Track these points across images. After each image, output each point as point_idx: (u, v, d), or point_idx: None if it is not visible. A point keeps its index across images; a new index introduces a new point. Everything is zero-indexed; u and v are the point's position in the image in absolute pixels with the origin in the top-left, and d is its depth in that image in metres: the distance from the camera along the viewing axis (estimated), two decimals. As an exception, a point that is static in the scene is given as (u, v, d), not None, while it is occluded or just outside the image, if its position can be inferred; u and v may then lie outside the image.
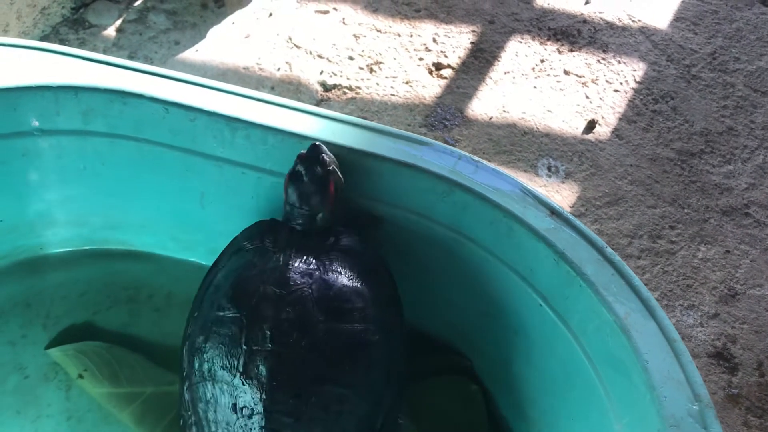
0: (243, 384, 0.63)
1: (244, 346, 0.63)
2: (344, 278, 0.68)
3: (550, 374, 0.75)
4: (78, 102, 0.76)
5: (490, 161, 1.07)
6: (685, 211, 1.12)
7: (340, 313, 0.66)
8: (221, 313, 0.66)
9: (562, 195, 1.11)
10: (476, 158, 0.75)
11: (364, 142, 0.75)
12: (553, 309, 0.72)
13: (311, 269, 0.67)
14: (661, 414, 0.61)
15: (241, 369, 0.63)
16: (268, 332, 0.63)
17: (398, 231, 0.79)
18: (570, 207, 1.10)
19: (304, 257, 0.68)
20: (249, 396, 0.62)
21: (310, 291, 0.66)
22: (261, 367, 0.62)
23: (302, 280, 0.66)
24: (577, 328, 0.70)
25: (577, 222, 0.72)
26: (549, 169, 1.14)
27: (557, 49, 1.31)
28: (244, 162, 0.77)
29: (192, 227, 0.86)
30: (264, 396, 0.62)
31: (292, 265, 0.67)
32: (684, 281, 1.04)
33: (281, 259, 0.68)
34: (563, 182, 1.13)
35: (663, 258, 1.07)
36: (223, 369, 0.64)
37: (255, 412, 0.62)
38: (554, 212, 0.73)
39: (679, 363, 0.65)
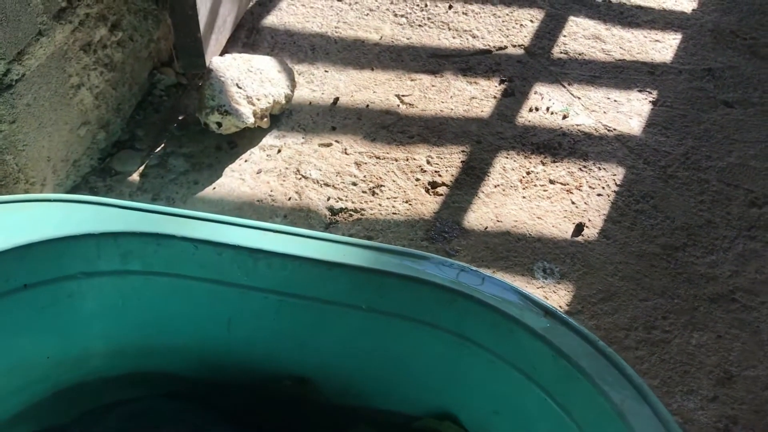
0: None
1: None
2: None
3: (561, 464, 0.81)
4: (117, 246, 0.85)
5: (488, 268, 1.16)
6: (675, 301, 1.20)
7: None
8: None
9: (559, 295, 1.19)
10: (474, 268, 0.84)
11: (371, 260, 0.84)
12: (557, 402, 0.78)
13: None
14: (663, 491, 0.66)
15: None
16: None
17: (405, 340, 0.86)
18: (567, 305, 1.17)
19: None
20: None
21: None
22: None
23: None
24: (580, 418, 0.76)
25: (570, 319, 0.79)
26: (544, 271, 1.22)
27: (541, 161, 1.43)
28: (267, 287, 0.86)
29: (220, 351, 0.93)
30: None
31: None
32: (681, 367, 1.10)
33: None
34: (559, 282, 1.21)
35: (659, 347, 1.13)
36: None
37: None
38: (548, 312, 0.80)
39: (674, 442, 0.71)
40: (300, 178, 1.36)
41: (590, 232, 1.30)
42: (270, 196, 1.33)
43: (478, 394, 0.87)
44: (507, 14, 1.77)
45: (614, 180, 1.41)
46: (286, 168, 1.38)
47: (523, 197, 1.35)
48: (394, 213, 1.31)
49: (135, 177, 1.33)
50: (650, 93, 1.61)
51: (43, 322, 0.87)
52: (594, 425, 0.75)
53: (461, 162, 1.41)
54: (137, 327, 0.92)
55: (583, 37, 1.74)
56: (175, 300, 0.89)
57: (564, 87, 1.61)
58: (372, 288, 0.84)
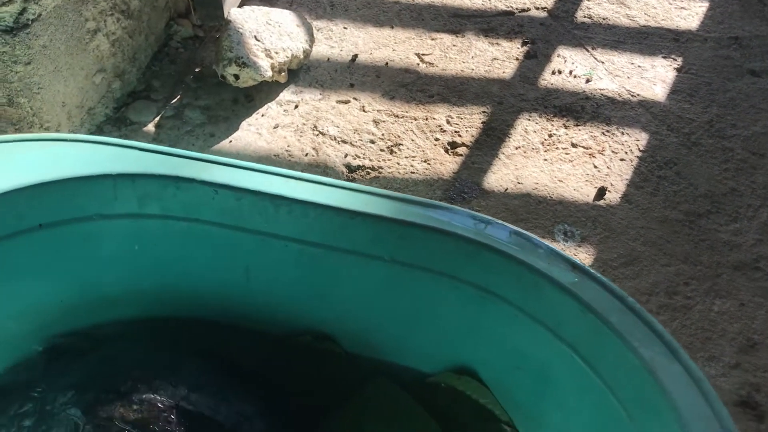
0: None
1: None
2: None
3: (585, 423, 0.79)
4: (134, 188, 0.83)
5: (509, 229, 1.13)
6: (698, 268, 1.18)
7: None
8: None
9: (580, 258, 1.17)
10: (500, 221, 0.82)
11: (395, 210, 0.81)
12: (583, 359, 0.76)
13: None
14: (694, 448, 0.65)
15: None
16: None
17: (427, 293, 0.84)
18: (588, 269, 1.15)
19: None
20: None
21: None
22: None
23: None
24: (608, 375, 0.74)
25: (598, 275, 0.77)
26: (565, 234, 1.20)
27: (563, 124, 1.40)
28: (287, 235, 0.84)
29: (238, 300, 0.91)
30: None
31: None
32: (703, 334, 1.08)
33: None
34: (580, 246, 1.19)
35: (681, 313, 1.11)
36: None
37: None
38: (576, 267, 0.78)
39: (706, 401, 0.69)
40: (317, 135, 1.34)
41: (612, 197, 1.28)
42: (287, 151, 1.30)
43: (500, 349, 0.85)
44: (530, -24, 1.73)
45: (637, 145, 1.38)
46: (304, 124, 1.36)
47: (545, 160, 1.33)
48: (412, 172, 1.28)
49: (150, 128, 1.31)
50: (675, 60, 1.57)
51: (57, 264, 0.85)
52: (622, 382, 0.74)
53: (482, 123, 1.39)
54: (154, 273, 0.90)
55: (607, 1, 1.70)
56: (192, 246, 0.87)
57: (587, 51, 1.57)
58: (394, 238, 0.82)
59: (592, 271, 0.78)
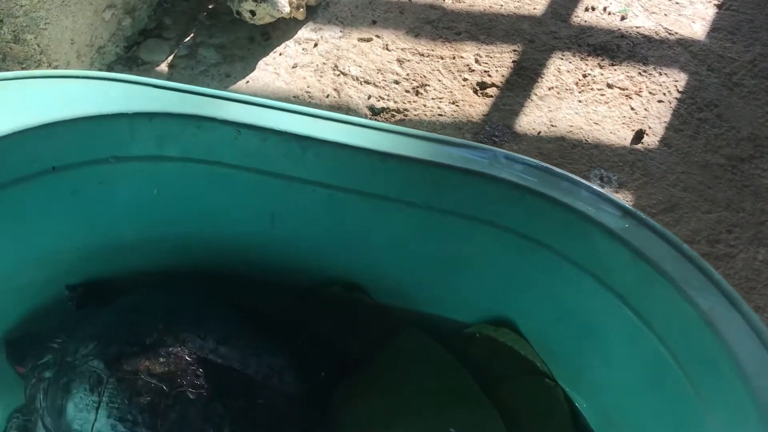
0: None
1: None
2: None
3: (632, 375, 0.75)
4: (152, 128, 0.78)
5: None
6: (741, 215, 1.12)
7: None
8: None
9: (617, 204, 1.11)
10: (545, 164, 0.76)
11: (431, 152, 0.76)
12: (633, 309, 0.72)
13: None
14: (758, 404, 0.60)
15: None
16: None
17: (464, 241, 0.80)
18: (626, 216, 1.10)
19: None
20: None
21: None
22: None
23: None
24: (660, 326, 0.70)
25: (651, 221, 0.72)
26: (601, 179, 1.14)
27: (598, 64, 1.33)
28: (315, 179, 0.79)
29: (263, 248, 0.87)
30: None
31: None
32: (747, 284, 1.04)
33: None
34: (617, 192, 1.13)
35: (723, 262, 1.06)
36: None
37: None
38: (627, 212, 0.73)
39: (769, 353, 0.64)
40: (338, 75, 1.27)
41: (650, 140, 1.21)
42: (307, 92, 1.24)
43: (541, 299, 0.81)
44: None
45: (676, 86, 1.30)
46: (324, 63, 1.29)
47: (579, 101, 1.26)
48: (439, 114, 1.22)
49: (163, 67, 1.24)
50: (714, -4, 1.49)
51: (72, 209, 0.81)
52: (675, 334, 0.69)
53: (512, 62, 1.31)
54: (173, 219, 0.86)
55: (641, -66, 1.60)
56: (214, 190, 0.82)
57: (621, -14, 1.48)
58: (430, 183, 0.76)
59: (645, 216, 0.73)
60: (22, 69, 1.09)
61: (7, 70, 1.09)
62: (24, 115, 0.72)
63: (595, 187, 0.75)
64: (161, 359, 0.69)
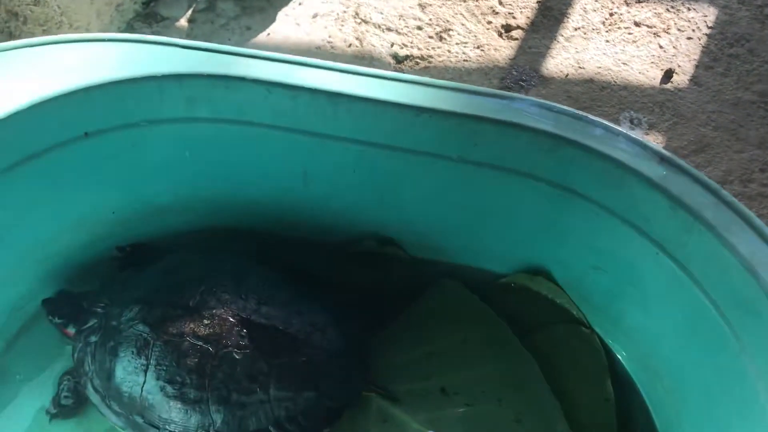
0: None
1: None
2: None
3: (670, 323, 0.75)
4: (182, 90, 0.77)
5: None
6: (775, 153, 1.11)
7: None
8: None
9: (648, 147, 1.10)
10: (580, 111, 0.75)
11: (464, 104, 0.75)
12: (672, 257, 0.72)
13: None
14: (802, 350, 0.61)
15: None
16: None
17: (499, 192, 0.79)
18: (657, 158, 1.08)
19: None
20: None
21: None
22: None
23: None
24: (699, 273, 0.70)
25: (690, 167, 0.71)
26: (631, 121, 1.13)
27: (624, 1, 1.29)
28: (346, 136, 0.78)
29: (296, 207, 0.87)
30: None
31: None
32: (782, 224, 1.03)
33: None
34: (647, 134, 1.12)
35: (756, 201, 1.05)
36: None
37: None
38: (664, 159, 0.72)
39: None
40: (360, 23, 1.25)
41: (680, 79, 1.19)
42: (329, 42, 1.22)
43: (577, 249, 0.81)
44: None
45: (705, 22, 1.27)
46: (344, 11, 1.26)
47: (607, 41, 1.23)
48: (464, 60, 1.20)
49: (182, 23, 1.23)
50: None
51: (106, 174, 0.81)
52: (716, 282, 0.69)
53: (537, 2, 1.28)
54: (206, 181, 0.86)
55: None
56: (246, 150, 0.82)
57: None
58: (464, 135, 0.76)
59: (683, 162, 0.72)
60: (44, 31, 1.08)
61: (29, 33, 1.08)
62: (55, 82, 0.72)
63: (631, 133, 0.74)
64: (205, 321, 0.70)
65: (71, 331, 0.78)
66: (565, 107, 0.75)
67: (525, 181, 0.77)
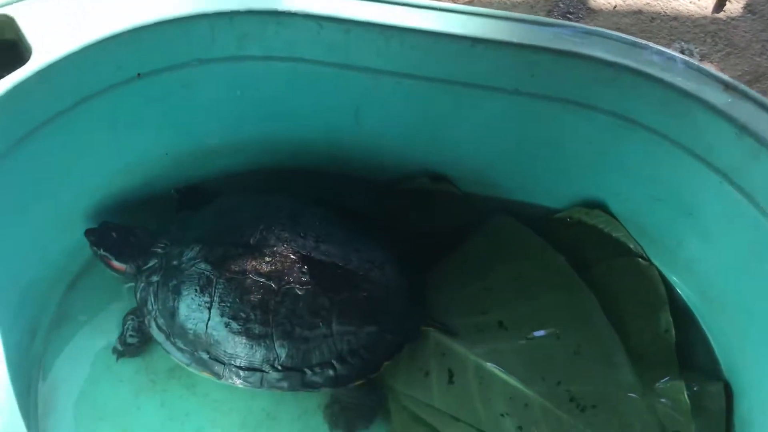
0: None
1: None
2: None
3: (733, 252, 0.74)
4: (233, 27, 0.76)
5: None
6: (833, 82, 1.07)
7: None
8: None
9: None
10: (641, 40, 0.73)
11: (521, 34, 0.73)
12: (736, 185, 0.70)
13: None
14: None
15: None
16: None
17: (556, 125, 0.78)
18: (710, 89, 1.06)
19: None
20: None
21: None
22: None
23: None
24: (765, 202, 0.69)
25: (755, 93, 0.69)
26: (683, 52, 1.10)
27: (674, -74, 1.24)
28: (399, 70, 0.77)
29: (348, 145, 0.87)
30: None
31: None
32: (841, 154, 1.00)
33: None
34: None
35: (814, 132, 1.02)
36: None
37: None
38: (729, 86, 0.70)
39: None
40: (399, -41, 1.22)
41: (733, 7, 1.15)
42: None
43: (636, 180, 0.80)
44: None
45: (758, -54, 1.22)
46: (383, -53, 1.23)
47: (656, -31, 1.19)
48: (508, -7, 1.17)
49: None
50: None
51: (158, 115, 0.81)
52: (784, 209, 0.68)
53: (582, -68, 1.24)
54: (257, 120, 0.86)
55: None
56: (297, 88, 0.81)
57: None
58: (520, 66, 0.74)
59: (749, 89, 0.70)
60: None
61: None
62: (106, 23, 0.71)
63: (693, 60, 0.72)
64: (266, 258, 0.71)
65: (118, 264, 0.79)
66: (624, 35, 0.73)
67: (583, 112, 0.76)
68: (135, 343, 0.79)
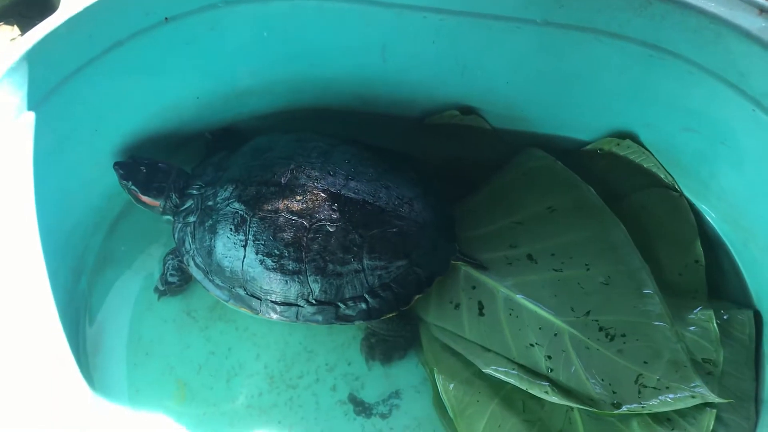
0: None
1: None
2: None
3: (766, 181, 0.73)
4: (257, -33, 0.76)
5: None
6: None
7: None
8: None
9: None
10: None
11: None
12: (770, 113, 0.69)
13: None
14: None
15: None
16: None
17: (585, 56, 0.77)
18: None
19: None
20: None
21: None
22: None
23: None
24: (800, 128, 0.68)
25: (792, 17, 0.67)
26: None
27: None
28: (425, 5, 0.76)
29: (375, 83, 0.87)
30: None
31: None
32: None
33: None
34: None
35: None
36: None
37: None
38: (764, 10, 0.68)
39: None
40: None
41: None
42: None
43: (667, 110, 0.78)
44: None
45: None
46: None
47: None
48: None
49: None
50: None
51: (187, 58, 0.82)
52: (818, 135, 0.67)
53: None
54: (284, 60, 0.86)
55: None
56: (323, 27, 0.81)
57: None
58: (549, -3, 0.73)
59: (785, 12, 0.68)
60: None
61: None
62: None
63: (727, -14, 0.70)
64: (298, 197, 0.72)
65: (147, 198, 0.81)
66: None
67: (613, 42, 0.74)
68: (176, 282, 0.82)
